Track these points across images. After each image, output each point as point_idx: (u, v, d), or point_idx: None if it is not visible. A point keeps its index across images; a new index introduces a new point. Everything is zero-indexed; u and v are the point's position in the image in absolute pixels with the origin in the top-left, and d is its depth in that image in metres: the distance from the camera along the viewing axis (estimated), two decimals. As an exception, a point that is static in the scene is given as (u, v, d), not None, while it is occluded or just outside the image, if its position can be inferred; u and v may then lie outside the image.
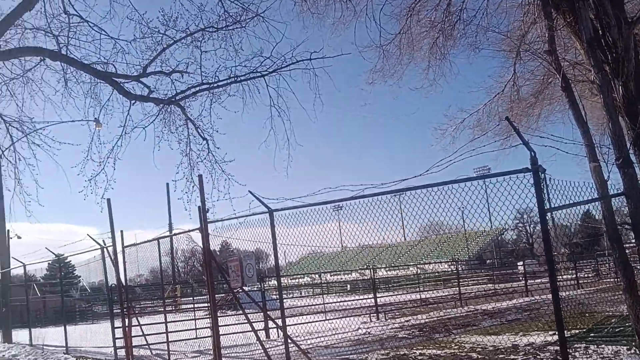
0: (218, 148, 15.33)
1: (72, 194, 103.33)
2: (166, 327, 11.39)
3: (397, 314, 19.49)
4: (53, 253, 15.41)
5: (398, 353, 11.30)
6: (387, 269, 49.91)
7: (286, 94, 14.51)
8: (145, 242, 11.69)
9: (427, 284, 33.22)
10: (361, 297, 22.43)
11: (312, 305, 18.61)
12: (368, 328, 15.81)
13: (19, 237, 23.87)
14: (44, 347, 16.92)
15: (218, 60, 14.57)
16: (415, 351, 11.34)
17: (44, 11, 14.42)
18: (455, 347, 11.50)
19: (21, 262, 18.17)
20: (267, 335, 15.01)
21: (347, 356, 11.43)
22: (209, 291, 9.71)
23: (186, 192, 14.89)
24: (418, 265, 52.80)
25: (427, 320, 17.23)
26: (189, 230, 9.89)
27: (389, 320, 17.77)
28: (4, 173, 18.77)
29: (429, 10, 14.61)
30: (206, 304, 28.12)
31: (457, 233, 62.70)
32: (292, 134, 14.82)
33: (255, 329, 15.14)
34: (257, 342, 9.62)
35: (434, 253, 66.24)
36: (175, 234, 10.31)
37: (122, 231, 12.11)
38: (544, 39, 9.76)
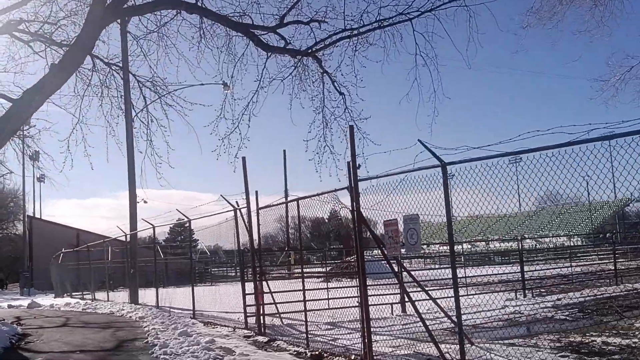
0: (356, 103, 14.10)
1: (192, 161, 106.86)
2: (304, 295, 10.32)
3: (543, 291, 17.33)
4: (185, 216, 15.06)
5: (572, 340, 9.46)
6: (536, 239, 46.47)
7: (435, 39, 12.81)
8: (282, 202, 10.68)
9: (559, 257, 30.23)
10: (499, 269, 20.24)
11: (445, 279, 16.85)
12: (516, 306, 13.96)
13: (145, 202, 24.34)
14: (171, 309, 16.83)
15: (359, 5, 13.20)
16: (593, 339, 9.42)
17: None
18: (642, 334, 9.45)
19: (151, 224, 18.19)
20: (403, 310, 13.67)
21: (510, 340, 9.76)
22: (358, 259, 8.43)
23: (317, 153, 13.87)
24: (535, 238, 49.17)
25: (582, 299, 15.03)
26: (336, 190, 8.66)
27: (537, 298, 15.74)
28: (135, 134, 18.86)
29: None
30: (318, 273, 27.49)
31: (576, 204, 57.33)
32: (439, 85, 13.20)
33: (389, 302, 13.97)
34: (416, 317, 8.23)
35: (551, 225, 61.75)
36: (319, 194, 9.14)
37: (257, 192, 11.24)
38: None
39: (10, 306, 23.96)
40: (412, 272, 9.58)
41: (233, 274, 43.82)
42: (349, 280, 23.61)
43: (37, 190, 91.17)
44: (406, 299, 13.60)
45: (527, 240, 48.27)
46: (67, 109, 17.21)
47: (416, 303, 8.28)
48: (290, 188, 51.55)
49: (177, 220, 23.13)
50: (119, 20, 18.16)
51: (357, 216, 8.25)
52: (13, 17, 15.93)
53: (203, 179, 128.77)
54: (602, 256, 31.37)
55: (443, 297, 10.63)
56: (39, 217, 53.68)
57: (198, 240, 29.67)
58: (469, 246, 53.24)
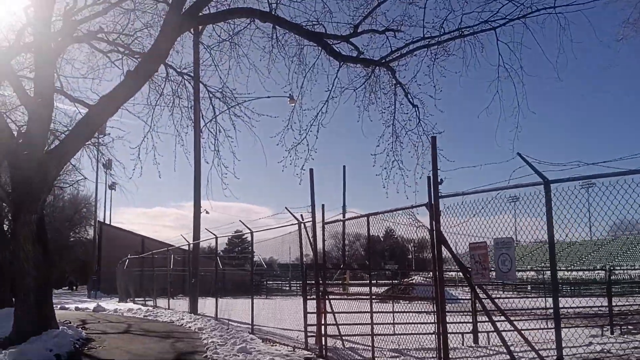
0: (431, 115, 13.44)
1: (251, 173, 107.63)
2: (372, 318, 9.62)
3: (631, 327, 15.72)
4: (248, 228, 14.76)
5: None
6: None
7: (520, 50, 11.98)
8: (353, 217, 10.11)
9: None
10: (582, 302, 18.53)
11: (530, 309, 15.48)
12: (602, 344, 12.65)
13: (207, 212, 24.43)
14: (229, 322, 16.50)
15: (438, 13, 12.54)
16: None
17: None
18: None
19: (214, 234, 18.10)
20: (475, 340, 12.67)
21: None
22: (436, 284, 7.70)
23: (385, 168, 13.27)
24: (624, 269, 46.08)
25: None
26: (413, 207, 7.98)
27: (626, 336, 14.28)
28: (203, 144, 18.88)
29: None
30: (383, 294, 26.48)
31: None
32: (524, 99, 12.33)
33: (458, 331, 13.01)
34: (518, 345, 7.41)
35: (624, 255, 57.95)
36: (393, 210, 8.51)
37: (323, 205, 10.73)
38: None
39: (77, 308, 24.76)
40: (485, 300, 8.72)
41: (287, 288, 43.42)
42: (407, 303, 22.52)
43: (108, 197, 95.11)
44: (482, 329, 12.68)
45: (600, 271, 45.34)
46: (140, 117, 17.44)
47: (492, 335, 7.49)
48: (347, 204, 50.72)
49: (235, 232, 22.99)
50: (192, 30, 18.31)
51: (436, 236, 7.56)
52: (93, 27, 16.44)
53: (259, 192, 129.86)
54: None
55: (526, 329, 9.68)
56: (108, 223, 55.55)
57: (255, 252, 29.56)
58: (534, 274, 50.63)
